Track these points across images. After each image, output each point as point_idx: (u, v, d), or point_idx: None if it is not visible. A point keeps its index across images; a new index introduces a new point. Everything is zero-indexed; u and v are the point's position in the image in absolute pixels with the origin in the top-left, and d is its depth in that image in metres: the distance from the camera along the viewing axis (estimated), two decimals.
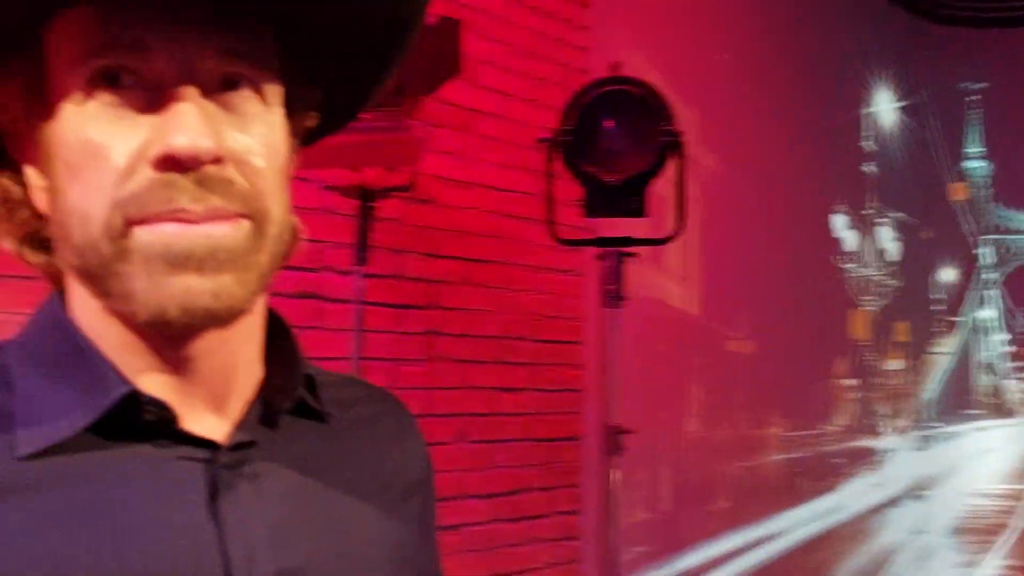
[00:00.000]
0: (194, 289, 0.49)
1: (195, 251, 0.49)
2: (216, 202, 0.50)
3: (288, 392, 0.60)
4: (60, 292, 0.57)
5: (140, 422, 0.53)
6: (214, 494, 0.55)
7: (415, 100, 1.93)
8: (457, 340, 2.73)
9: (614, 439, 2.23)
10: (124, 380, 0.53)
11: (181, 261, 0.49)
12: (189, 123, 0.48)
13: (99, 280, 0.51)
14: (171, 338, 0.53)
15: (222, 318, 0.52)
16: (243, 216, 0.52)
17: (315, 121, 0.62)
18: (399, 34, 0.59)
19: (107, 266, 0.50)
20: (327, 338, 2.37)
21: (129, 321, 0.52)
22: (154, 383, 0.54)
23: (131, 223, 0.49)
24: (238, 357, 0.58)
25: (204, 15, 0.50)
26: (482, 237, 2.81)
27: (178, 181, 0.49)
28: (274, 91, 0.55)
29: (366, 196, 1.92)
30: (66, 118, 0.50)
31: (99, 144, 0.49)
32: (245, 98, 0.53)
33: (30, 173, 0.55)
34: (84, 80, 0.50)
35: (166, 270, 0.49)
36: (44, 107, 0.52)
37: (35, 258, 0.56)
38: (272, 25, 0.54)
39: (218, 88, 0.51)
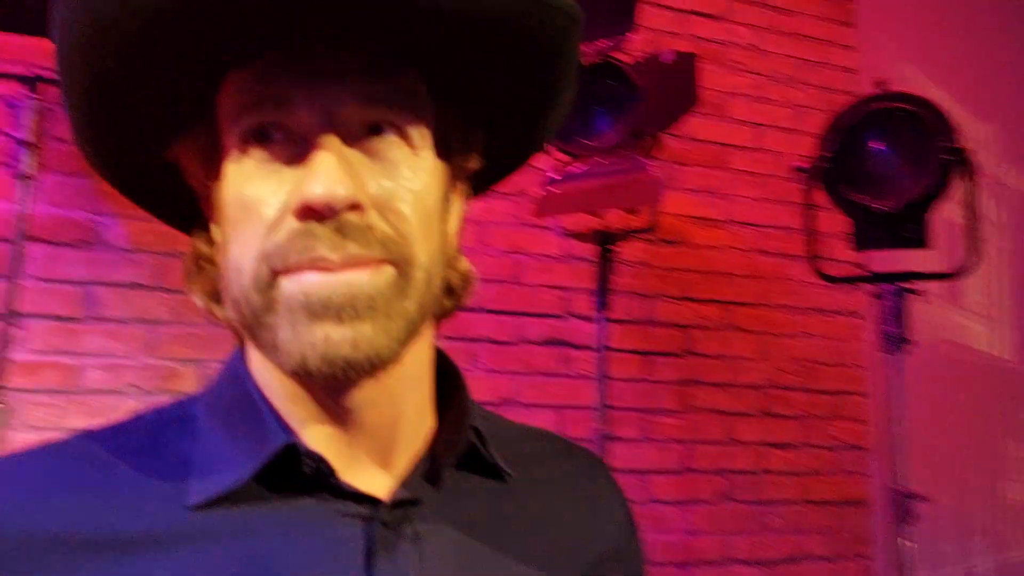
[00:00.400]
0: (332, 338, 0.48)
1: (333, 299, 0.48)
2: (354, 249, 0.49)
3: (454, 446, 0.56)
4: (243, 344, 0.58)
5: (302, 474, 0.52)
6: (371, 554, 0.52)
7: (652, 139, 1.86)
8: (717, 390, 2.55)
9: (904, 505, 1.93)
10: (285, 431, 0.52)
11: (320, 310, 0.48)
12: (325, 172, 0.48)
13: (253, 331, 0.52)
14: (329, 388, 0.52)
15: (363, 368, 0.50)
16: (385, 262, 0.50)
17: (479, 163, 0.59)
18: (553, 66, 0.55)
19: (258, 317, 0.50)
20: (575, 385, 2.33)
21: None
22: (317, 435, 0.53)
23: (276, 273, 0.49)
24: (402, 408, 0.56)
25: (344, 64, 0.50)
26: (739, 278, 2.64)
27: (316, 230, 0.48)
28: (421, 135, 0.53)
29: (605, 240, 1.87)
30: (229, 176, 0.52)
31: (253, 199, 0.50)
32: (390, 143, 0.51)
33: (214, 231, 0.57)
34: (239, 138, 0.51)
35: (307, 319, 0.49)
36: (216, 167, 0.54)
37: (221, 312, 0.58)
38: (416, 69, 0.52)
39: (362, 135, 0.51)
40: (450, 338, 2.26)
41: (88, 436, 0.55)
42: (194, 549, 0.50)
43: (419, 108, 0.53)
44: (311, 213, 0.48)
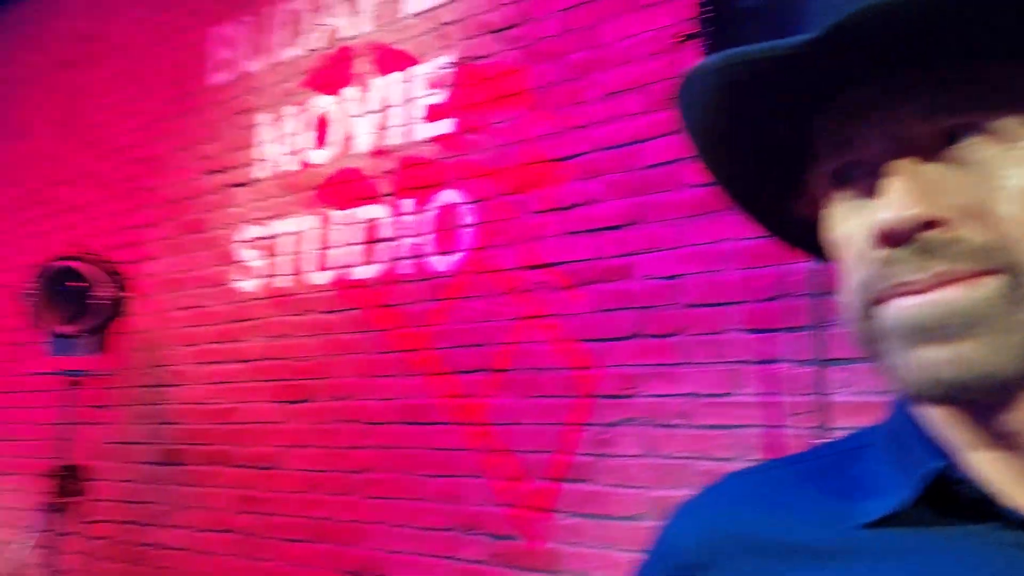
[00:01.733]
0: (932, 360, 0.48)
1: (925, 322, 0.48)
2: (940, 267, 0.47)
3: None
4: None
5: (968, 500, 0.51)
6: None
7: None
8: None
9: None
10: (938, 456, 0.53)
11: (913, 334, 0.48)
12: (890, 197, 0.49)
13: (872, 358, 0.53)
14: (978, 411, 0.51)
15: (975, 389, 0.47)
16: (985, 274, 0.47)
17: None
18: None
19: (867, 345, 0.52)
20: None
21: None
22: (980, 460, 0.52)
23: (869, 304, 0.51)
24: None
25: (909, 85, 0.49)
26: None
27: (897, 255, 0.49)
28: (1014, 123, 0.48)
29: None
30: (827, 221, 0.56)
31: (844, 238, 0.53)
32: (974, 146, 0.49)
33: None
34: (826, 184, 0.55)
35: (907, 345, 0.49)
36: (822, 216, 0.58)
37: None
38: (998, 55, 0.47)
39: (940, 147, 0.49)
40: None
41: (780, 461, 0.64)
42: (865, 565, 0.53)
43: (1009, 97, 0.47)
44: (885, 240, 0.48)
